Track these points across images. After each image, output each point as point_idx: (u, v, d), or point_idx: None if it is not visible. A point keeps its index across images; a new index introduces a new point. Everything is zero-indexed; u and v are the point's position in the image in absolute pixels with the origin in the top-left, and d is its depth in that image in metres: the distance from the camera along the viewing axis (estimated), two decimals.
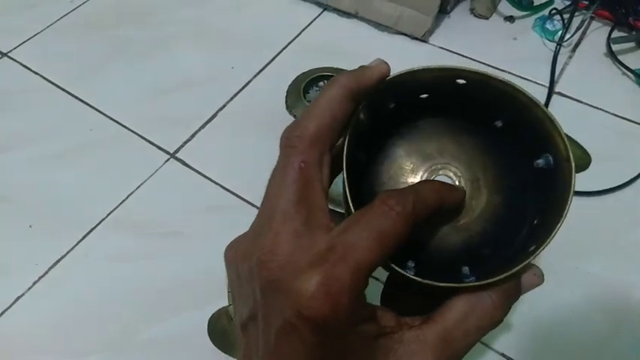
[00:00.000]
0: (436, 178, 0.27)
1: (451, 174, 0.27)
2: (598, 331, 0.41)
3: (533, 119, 0.23)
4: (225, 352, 0.39)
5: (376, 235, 0.19)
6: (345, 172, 0.22)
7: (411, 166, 0.27)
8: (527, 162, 0.25)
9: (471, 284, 0.21)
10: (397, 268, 0.21)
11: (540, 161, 0.24)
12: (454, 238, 0.26)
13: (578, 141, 0.34)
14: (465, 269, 0.24)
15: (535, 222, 0.24)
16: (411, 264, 0.23)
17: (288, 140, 0.21)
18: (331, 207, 0.22)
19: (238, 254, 0.22)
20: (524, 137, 0.25)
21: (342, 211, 0.24)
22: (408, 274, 0.21)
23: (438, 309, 0.21)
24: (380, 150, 0.27)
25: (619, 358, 0.40)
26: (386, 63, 0.23)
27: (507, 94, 0.23)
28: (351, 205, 0.22)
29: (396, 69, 0.24)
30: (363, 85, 0.22)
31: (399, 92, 0.25)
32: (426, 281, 0.21)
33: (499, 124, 0.26)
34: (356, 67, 0.23)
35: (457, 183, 0.27)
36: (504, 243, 0.25)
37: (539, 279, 0.23)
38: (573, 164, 0.22)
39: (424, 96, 0.26)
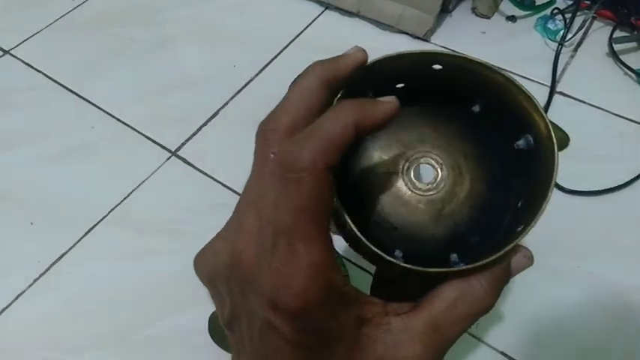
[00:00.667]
0: (418, 167, 0.27)
1: (432, 162, 0.27)
2: (599, 331, 0.41)
3: (511, 100, 0.23)
4: (226, 350, 0.39)
5: (298, 214, 0.17)
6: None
7: (392, 155, 0.27)
8: (508, 145, 0.24)
9: (460, 268, 0.21)
10: (387, 257, 0.21)
11: (520, 142, 0.24)
12: (440, 225, 0.26)
13: (579, 137, 0.34)
14: (454, 256, 0.24)
15: (519, 205, 0.24)
16: (398, 253, 0.23)
17: (262, 133, 0.20)
18: None
19: (209, 257, 0.21)
20: (503, 120, 0.24)
21: None
22: (398, 262, 0.21)
23: (426, 296, 0.21)
24: (359, 142, 0.26)
25: (619, 357, 0.40)
26: (363, 50, 0.22)
27: (484, 76, 0.23)
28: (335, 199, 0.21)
29: None
30: (339, 74, 0.21)
31: (376, 82, 0.24)
32: (415, 267, 0.20)
33: (477, 108, 0.26)
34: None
35: (439, 171, 0.27)
36: (490, 228, 0.25)
37: (529, 261, 0.22)
38: (555, 140, 0.22)
39: (400, 86, 0.25)
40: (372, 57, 0.24)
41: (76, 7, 0.69)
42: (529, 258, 0.22)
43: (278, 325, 0.18)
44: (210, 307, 0.41)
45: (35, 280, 0.45)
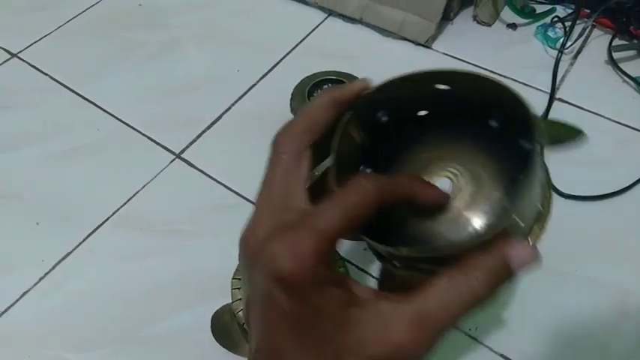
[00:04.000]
0: (436, 181, 0.28)
1: (450, 175, 0.28)
2: (597, 335, 0.41)
3: (514, 106, 0.24)
4: (228, 349, 0.40)
5: (342, 207, 0.20)
6: (334, 183, 0.24)
7: (411, 171, 0.28)
8: (522, 150, 0.25)
9: (446, 245, 0.22)
10: (368, 240, 0.22)
11: (526, 145, 0.24)
12: (458, 233, 0.26)
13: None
14: None
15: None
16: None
17: (275, 138, 0.25)
18: None
19: (242, 247, 0.23)
20: (515, 128, 0.25)
21: None
22: (384, 247, 0.22)
23: (419, 286, 0.21)
24: (384, 164, 0.29)
25: None
26: (364, 80, 0.27)
27: (488, 87, 0.24)
28: None
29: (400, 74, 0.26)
30: (344, 96, 0.26)
31: (390, 105, 0.27)
32: (401, 251, 0.22)
33: (494, 123, 0.26)
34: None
35: (457, 181, 0.27)
36: None
37: (531, 256, 0.21)
38: (538, 143, 0.22)
39: (422, 113, 0.28)
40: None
41: (83, 11, 0.70)
42: (529, 253, 0.21)
43: (275, 292, 0.19)
44: (212, 306, 0.41)
45: (40, 279, 0.46)
